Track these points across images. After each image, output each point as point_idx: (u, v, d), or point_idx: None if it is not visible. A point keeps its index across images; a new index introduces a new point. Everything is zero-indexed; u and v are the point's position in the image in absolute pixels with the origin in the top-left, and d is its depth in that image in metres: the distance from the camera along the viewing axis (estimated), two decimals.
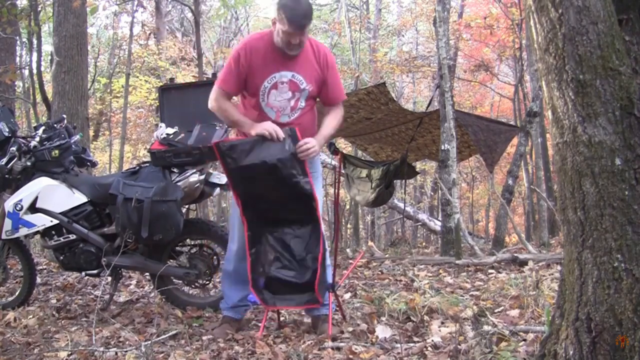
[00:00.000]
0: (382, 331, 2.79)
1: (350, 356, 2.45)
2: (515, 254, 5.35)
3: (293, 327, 3.08)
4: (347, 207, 14.06)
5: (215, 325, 3.10)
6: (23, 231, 3.43)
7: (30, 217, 3.41)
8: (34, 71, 7.85)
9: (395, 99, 7.19)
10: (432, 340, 2.57)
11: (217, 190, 3.60)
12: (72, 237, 3.45)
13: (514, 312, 2.96)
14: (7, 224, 3.40)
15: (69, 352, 2.55)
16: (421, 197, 17.70)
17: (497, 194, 9.69)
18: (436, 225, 11.27)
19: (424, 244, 12.28)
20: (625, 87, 1.66)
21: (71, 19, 6.10)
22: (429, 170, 15.60)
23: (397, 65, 14.49)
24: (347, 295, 3.87)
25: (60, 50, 6.05)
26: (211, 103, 2.93)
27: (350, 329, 2.90)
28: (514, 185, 8.09)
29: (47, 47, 11.92)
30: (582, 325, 1.67)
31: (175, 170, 3.42)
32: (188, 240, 3.70)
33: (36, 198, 3.41)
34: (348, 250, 7.96)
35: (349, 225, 13.92)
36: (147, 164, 3.52)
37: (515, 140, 8.12)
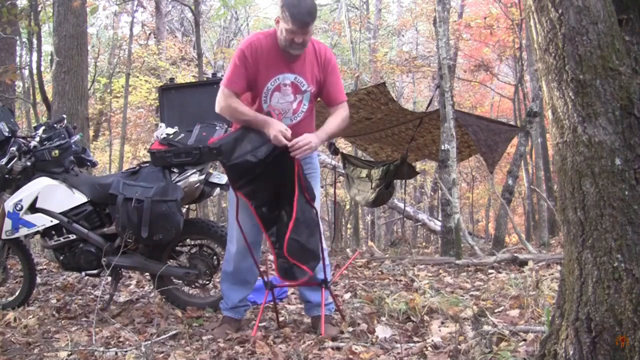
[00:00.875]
0: (382, 331, 2.79)
1: (350, 356, 2.45)
2: (515, 254, 5.35)
3: (293, 327, 3.08)
4: (347, 207, 14.06)
5: (215, 325, 3.10)
6: (23, 231, 3.43)
7: (30, 217, 3.41)
8: (34, 71, 7.85)
9: (395, 99, 7.19)
10: (432, 340, 2.57)
11: (217, 190, 3.60)
12: (72, 237, 3.45)
13: (514, 312, 2.96)
14: (7, 224, 3.40)
15: (69, 352, 2.55)
16: (421, 197, 17.70)
17: (497, 194, 9.69)
18: (436, 225, 11.28)
19: (424, 244, 12.29)
20: (625, 87, 1.66)
21: (71, 19, 6.09)
22: (429, 170, 15.59)
23: (397, 65, 14.49)
24: (347, 295, 3.87)
25: (60, 50, 6.05)
26: (219, 105, 2.82)
27: (350, 329, 2.90)
28: (514, 185, 8.09)
29: (47, 47, 11.93)
30: (582, 325, 1.67)
31: (175, 170, 3.42)
32: (188, 240, 3.70)
33: (36, 198, 3.41)
34: (348, 250, 7.96)
35: (349, 225, 13.92)
36: (147, 164, 3.52)
37: (515, 140, 8.12)
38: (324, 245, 2.98)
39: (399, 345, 2.56)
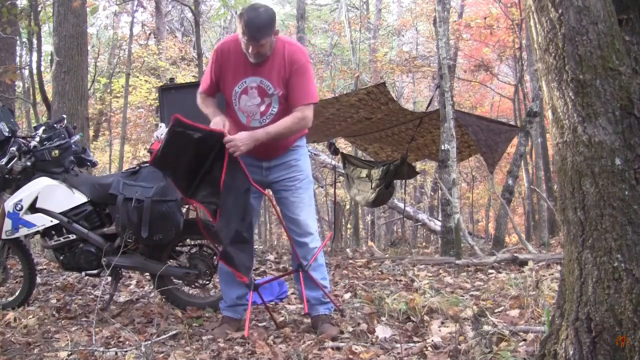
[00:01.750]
0: (382, 331, 2.80)
1: (350, 356, 2.45)
2: (515, 254, 5.35)
3: (293, 327, 3.08)
4: (347, 207, 14.06)
5: (215, 325, 3.10)
6: (23, 231, 3.43)
7: (30, 217, 3.41)
8: (34, 71, 7.84)
9: (395, 99, 7.19)
10: (432, 340, 2.57)
11: None
12: (72, 237, 3.44)
13: (514, 312, 2.96)
14: (7, 224, 3.40)
15: (69, 352, 2.55)
16: (421, 197, 17.70)
17: (497, 194, 9.69)
18: (436, 225, 11.28)
19: (424, 244, 12.29)
20: (625, 87, 1.66)
21: (71, 19, 6.09)
22: (429, 170, 15.59)
23: (397, 65, 14.49)
24: (347, 295, 3.87)
25: (60, 50, 6.05)
26: (197, 99, 3.08)
27: (350, 329, 2.90)
28: (514, 185, 8.09)
29: (47, 47, 11.92)
30: (582, 325, 1.67)
31: None
32: (188, 240, 3.70)
33: (36, 198, 3.41)
34: (348, 250, 7.96)
35: (349, 225, 13.92)
36: (147, 164, 3.52)
37: (515, 140, 8.12)
38: (312, 230, 3.00)
39: (399, 345, 2.56)
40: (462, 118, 6.71)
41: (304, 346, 2.61)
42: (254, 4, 2.80)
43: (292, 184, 3.01)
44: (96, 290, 4.29)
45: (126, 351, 2.55)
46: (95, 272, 3.51)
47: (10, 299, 3.72)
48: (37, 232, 3.50)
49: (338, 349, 2.58)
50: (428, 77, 16.36)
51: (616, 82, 1.66)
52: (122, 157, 10.54)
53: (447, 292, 3.77)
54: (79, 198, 3.47)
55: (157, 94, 8.61)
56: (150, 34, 15.75)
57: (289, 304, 3.75)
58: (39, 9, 7.41)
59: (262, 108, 2.92)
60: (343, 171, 8.52)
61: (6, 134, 3.51)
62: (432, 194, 16.49)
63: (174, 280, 3.61)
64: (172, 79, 6.57)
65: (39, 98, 7.72)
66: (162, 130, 3.49)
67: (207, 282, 3.62)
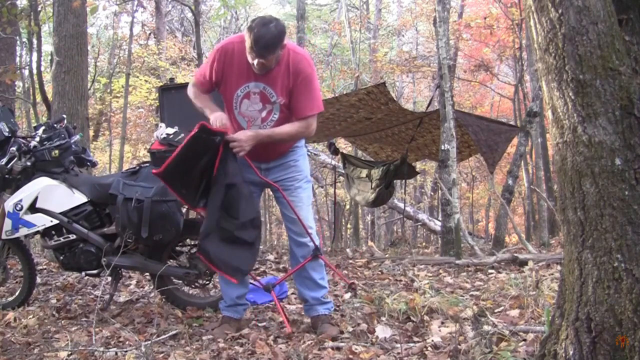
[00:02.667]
0: (382, 331, 2.80)
1: (350, 356, 2.45)
2: (515, 254, 5.35)
3: (293, 327, 3.08)
4: (347, 207, 14.06)
5: (215, 325, 3.10)
6: (23, 231, 3.43)
7: (30, 217, 3.41)
8: (34, 71, 7.85)
9: (395, 99, 7.19)
10: (432, 340, 2.57)
11: None
12: (72, 237, 3.44)
13: (514, 312, 2.96)
14: (7, 224, 3.40)
15: (69, 352, 2.55)
16: (421, 197, 17.69)
17: (497, 194, 9.69)
18: (436, 225, 11.27)
19: (424, 244, 12.28)
20: (625, 87, 1.66)
21: (71, 19, 6.09)
22: (429, 170, 15.59)
23: (397, 65, 14.49)
24: (347, 295, 3.87)
25: (60, 50, 6.05)
26: (188, 89, 3.03)
27: (350, 329, 2.90)
28: (514, 185, 8.09)
29: (47, 47, 11.92)
30: (582, 325, 1.67)
31: None
32: (188, 240, 3.70)
33: (36, 198, 3.41)
34: (348, 250, 7.96)
35: (349, 225, 13.92)
36: (147, 164, 3.52)
37: (515, 140, 8.12)
38: (309, 223, 3.00)
39: (399, 345, 2.56)
40: (462, 118, 6.71)
41: (304, 346, 2.61)
42: (265, 17, 2.73)
43: (291, 184, 3.01)
44: (96, 290, 4.29)
45: (126, 351, 2.55)
46: (95, 272, 3.51)
47: (10, 299, 3.72)
48: (37, 232, 3.50)
49: (338, 349, 2.58)
50: (428, 77, 16.36)
51: (616, 82, 1.66)
52: (122, 157, 10.54)
53: (447, 292, 3.77)
54: (79, 198, 3.47)
55: (157, 94, 8.62)
56: (150, 34, 15.76)
57: (289, 304, 3.75)
58: (39, 9, 7.41)
59: (264, 114, 2.91)
60: (343, 171, 8.52)
61: (6, 134, 3.51)
62: (432, 194, 16.49)
63: (174, 280, 3.61)
64: (172, 79, 6.57)
65: (39, 98, 7.73)
66: (162, 130, 3.49)
67: (207, 282, 3.62)
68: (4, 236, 3.43)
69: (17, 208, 3.38)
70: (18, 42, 8.04)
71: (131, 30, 11.49)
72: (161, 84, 8.67)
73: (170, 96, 5.34)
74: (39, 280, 4.50)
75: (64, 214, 3.43)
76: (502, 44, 13.33)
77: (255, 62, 2.73)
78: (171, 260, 3.58)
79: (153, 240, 3.31)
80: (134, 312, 3.54)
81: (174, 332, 2.96)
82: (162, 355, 2.56)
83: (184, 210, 3.57)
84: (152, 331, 3.02)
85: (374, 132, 8.19)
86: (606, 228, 1.64)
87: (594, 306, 1.65)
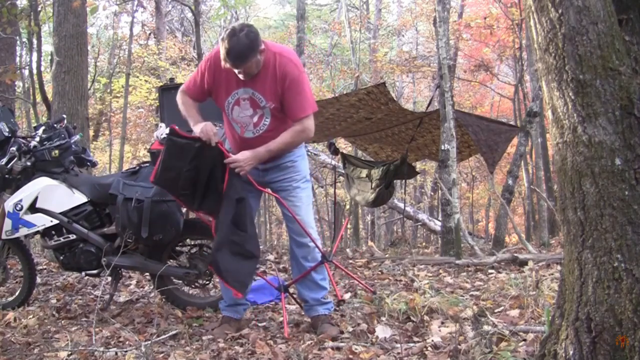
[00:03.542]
0: (382, 331, 2.80)
1: (350, 356, 2.45)
2: (515, 254, 5.35)
3: (293, 327, 3.08)
4: (347, 207, 14.06)
5: (215, 325, 3.10)
6: (23, 231, 3.43)
7: (30, 217, 3.41)
8: (34, 71, 7.85)
9: (395, 99, 7.19)
10: (432, 340, 2.57)
11: None
12: (72, 237, 3.44)
13: (514, 312, 2.96)
14: (7, 224, 3.40)
15: (69, 352, 2.55)
16: (421, 197, 17.69)
17: (497, 194, 9.69)
18: (436, 225, 11.27)
19: (424, 244, 12.28)
20: (625, 87, 1.66)
21: (71, 19, 6.09)
22: (429, 170, 15.59)
23: (397, 65, 14.49)
24: (347, 295, 3.87)
25: (60, 50, 6.05)
26: (177, 96, 3.05)
27: (350, 329, 2.90)
28: (514, 185, 8.09)
29: (47, 47, 11.92)
30: (582, 325, 1.67)
31: None
32: (188, 240, 3.70)
33: (36, 198, 3.41)
34: (348, 250, 7.96)
35: (349, 225, 13.91)
36: (147, 164, 3.52)
37: (515, 140, 8.12)
38: (311, 230, 3.02)
39: (399, 345, 2.56)
40: (462, 118, 6.71)
41: (304, 346, 2.61)
42: (235, 27, 2.72)
43: (289, 184, 3.02)
44: (96, 290, 4.29)
45: (126, 351, 2.55)
46: (95, 272, 3.51)
47: (10, 299, 3.72)
48: (37, 232, 3.51)
49: (338, 349, 2.58)
50: (428, 77, 16.36)
51: (616, 82, 1.66)
52: (122, 157, 10.54)
53: (447, 292, 3.77)
54: (79, 198, 3.47)
55: (157, 94, 8.62)
56: (150, 34, 15.75)
57: (289, 304, 3.75)
58: (39, 9, 7.41)
59: (255, 119, 2.92)
60: (343, 171, 8.52)
61: (6, 134, 3.51)
62: (432, 194, 16.49)
63: (174, 280, 3.61)
64: (172, 79, 6.57)
65: (39, 98, 7.73)
66: (162, 130, 3.49)
67: (207, 282, 3.62)
68: (4, 236, 3.43)
69: (17, 208, 3.38)
70: (18, 42, 8.04)
71: (131, 30, 11.50)
72: (161, 84, 8.67)
73: (170, 96, 5.33)
74: (39, 280, 4.50)
75: (64, 214, 3.43)
76: (502, 44, 13.33)
77: (236, 71, 2.76)
78: (171, 260, 3.58)
79: (153, 240, 3.31)
80: (134, 312, 3.54)
81: (174, 332, 2.96)
82: (162, 355, 2.56)
83: (184, 210, 3.57)
84: (152, 331, 3.02)
85: (374, 132, 8.19)
86: (606, 228, 1.64)
87: (594, 306, 1.65)
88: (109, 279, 3.63)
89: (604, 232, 1.65)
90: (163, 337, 2.88)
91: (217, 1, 17.00)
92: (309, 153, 9.94)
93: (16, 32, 7.46)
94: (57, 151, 3.49)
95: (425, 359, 2.38)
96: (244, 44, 2.67)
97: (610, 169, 1.64)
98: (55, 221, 3.42)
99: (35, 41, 8.09)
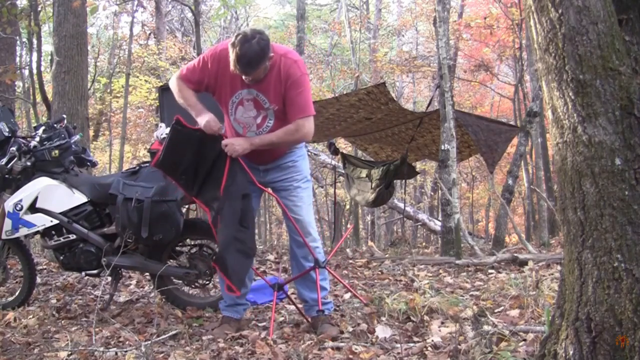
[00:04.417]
0: (382, 331, 2.80)
1: (350, 356, 2.45)
2: (515, 254, 5.35)
3: (293, 327, 3.08)
4: (347, 207, 14.06)
5: (215, 325, 3.10)
6: (23, 231, 3.43)
7: (30, 217, 3.41)
8: (34, 71, 7.85)
9: (395, 99, 7.19)
10: (432, 340, 2.57)
11: None
12: (72, 237, 3.44)
13: (514, 312, 2.96)
14: (7, 224, 3.40)
15: (69, 352, 2.55)
16: (421, 197, 17.69)
17: (497, 194, 9.69)
18: (436, 225, 11.27)
19: (424, 244, 12.28)
20: (625, 87, 1.66)
21: (71, 19, 6.09)
22: (429, 170, 15.59)
23: (397, 65, 14.49)
24: (347, 295, 3.87)
25: (60, 50, 6.05)
26: (172, 81, 3.00)
27: (350, 329, 2.90)
28: (514, 185, 8.09)
29: (47, 47, 11.92)
30: (582, 325, 1.67)
31: None
32: (188, 240, 3.70)
33: (36, 198, 3.41)
34: (348, 250, 7.96)
35: (349, 225, 13.91)
36: (147, 164, 3.52)
37: (515, 140, 8.12)
38: (312, 230, 3.03)
39: (399, 345, 2.56)
40: (462, 118, 6.71)
41: (304, 346, 2.61)
42: (247, 33, 2.69)
43: (290, 184, 3.02)
44: (96, 290, 4.29)
45: (126, 351, 2.55)
46: (95, 272, 3.51)
47: (10, 299, 3.72)
48: (37, 232, 3.51)
49: (338, 349, 2.58)
50: (428, 77, 16.36)
51: (616, 82, 1.66)
52: (122, 157, 10.54)
53: (447, 292, 3.77)
54: (79, 198, 3.47)
55: (157, 94, 8.62)
56: (150, 34, 15.75)
57: (288, 304, 3.75)
58: (39, 9, 7.41)
59: (259, 120, 2.93)
60: (343, 171, 8.52)
61: (6, 134, 3.51)
62: (432, 194, 16.49)
63: (174, 280, 3.61)
64: None
65: (39, 98, 7.72)
66: (162, 130, 3.50)
67: (207, 282, 3.62)
68: (4, 236, 3.43)
69: (17, 208, 3.38)
70: (18, 42, 8.04)
71: (131, 30, 11.50)
72: (161, 84, 8.68)
73: (170, 96, 5.31)
74: (39, 280, 4.49)
75: (64, 214, 3.43)
76: (502, 44, 13.33)
77: (242, 75, 2.76)
78: (171, 260, 3.58)
79: (153, 240, 3.31)
80: (134, 312, 3.54)
81: (174, 332, 2.96)
82: (162, 355, 2.56)
83: (184, 210, 3.57)
84: (152, 331, 3.02)
85: (374, 132, 8.19)
86: (606, 228, 1.64)
87: (594, 306, 1.65)
88: (109, 279, 3.63)
89: (604, 232, 1.65)
90: (163, 337, 2.88)
91: (217, 1, 17.00)
92: (309, 153, 9.94)
93: (16, 32, 7.46)
94: (57, 151, 3.49)
95: (425, 359, 2.38)
96: (255, 52, 2.66)
97: (610, 169, 1.64)
98: (55, 221, 3.42)
99: (35, 41, 8.09)
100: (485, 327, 2.44)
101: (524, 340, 2.39)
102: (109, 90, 13.66)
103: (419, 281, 4.27)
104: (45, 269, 5.37)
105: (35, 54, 8.21)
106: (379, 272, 5.17)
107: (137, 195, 3.28)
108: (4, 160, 3.42)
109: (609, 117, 1.65)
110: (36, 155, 3.47)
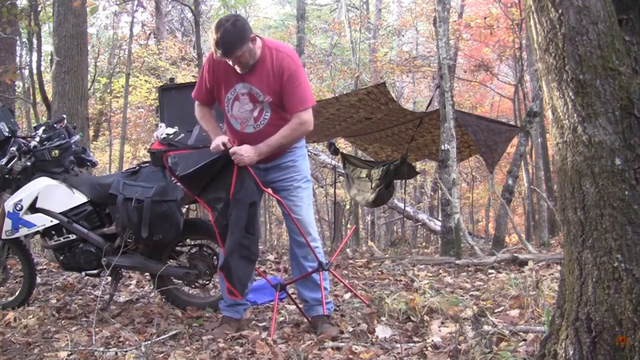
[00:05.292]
0: (382, 331, 2.80)
1: (350, 356, 2.45)
2: (515, 254, 5.35)
3: (293, 327, 3.08)
4: (347, 207, 14.06)
5: (215, 325, 3.10)
6: (23, 231, 3.43)
7: (30, 217, 3.41)
8: (34, 71, 7.84)
9: (395, 99, 7.19)
10: (432, 340, 2.57)
11: None
12: (72, 237, 3.44)
13: (514, 312, 2.96)
14: (7, 224, 3.40)
15: (69, 352, 2.55)
16: (421, 197, 17.69)
17: (497, 194, 9.69)
18: (436, 225, 11.27)
19: (424, 244, 12.28)
20: (625, 87, 1.66)
21: (71, 19, 6.09)
22: (429, 170, 15.59)
23: (397, 65, 14.49)
24: (347, 295, 3.87)
25: (60, 50, 6.05)
26: (196, 109, 3.11)
27: (350, 329, 2.90)
28: (514, 185, 8.09)
29: (47, 47, 11.92)
30: (582, 325, 1.67)
31: None
32: (188, 240, 3.70)
33: (36, 198, 3.41)
34: (348, 250, 7.96)
35: (349, 225, 13.91)
36: (147, 164, 3.52)
37: (515, 140, 8.12)
38: (312, 230, 3.04)
39: (399, 345, 2.56)
40: (462, 118, 6.71)
41: (304, 346, 2.61)
42: (222, 18, 2.76)
43: (290, 184, 3.02)
44: (96, 290, 4.29)
45: (126, 351, 2.55)
46: (95, 272, 3.51)
47: (10, 299, 3.72)
48: (37, 232, 3.50)
49: (338, 349, 2.58)
50: (428, 77, 16.36)
51: (616, 82, 1.66)
52: (122, 157, 10.54)
53: (447, 292, 3.77)
54: (79, 198, 3.47)
55: (157, 94, 8.62)
56: (150, 34, 15.75)
57: (288, 304, 3.75)
58: (39, 9, 7.40)
59: (255, 114, 2.94)
60: (343, 171, 8.52)
61: (6, 134, 3.51)
62: (432, 194, 16.49)
63: (174, 280, 3.61)
64: (172, 79, 6.58)
65: (39, 98, 7.72)
66: (162, 130, 3.49)
67: (207, 282, 3.62)
68: (4, 236, 3.43)
69: (17, 208, 3.38)
70: (18, 42, 8.04)
71: (131, 30, 11.49)
72: (161, 84, 8.68)
73: (170, 96, 5.34)
74: (39, 280, 4.50)
75: (64, 214, 3.43)
76: (502, 44, 13.33)
77: (230, 62, 2.79)
78: (171, 260, 3.58)
79: (153, 240, 3.31)
80: (134, 312, 3.54)
81: (174, 332, 2.96)
82: (162, 355, 2.56)
83: (184, 210, 3.57)
84: (152, 331, 3.02)
85: (374, 132, 8.19)
86: (606, 228, 1.64)
87: (594, 306, 1.65)
88: (109, 279, 3.63)
89: (604, 232, 1.65)
90: (163, 337, 2.88)
91: (217, 1, 16.99)
92: (309, 153, 9.94)
93: (16, 32, 7.46)
94: (57, 151, 3.49)
95: (425, 359, 2.38)
96: (231, 33, 2.70)
97: (610, 169, 1.64)
98: (55, 221, 3.42)
99: (35, 41, 8.09)
100: (485, 327, 2.44)
101: (524, 340, 2.39)
102: (109, 90, 13.66)
103: (419, 281, 4.27)
104: (45, 269, 5.37)
105: (35, 54, 8.21)
106: (379, 272, 5.17)
107: (137, 195, 3.28)
108: (4, 160, 3.42)
109: (609, 117, 1.65)
110: (36, 155, 3.47)
